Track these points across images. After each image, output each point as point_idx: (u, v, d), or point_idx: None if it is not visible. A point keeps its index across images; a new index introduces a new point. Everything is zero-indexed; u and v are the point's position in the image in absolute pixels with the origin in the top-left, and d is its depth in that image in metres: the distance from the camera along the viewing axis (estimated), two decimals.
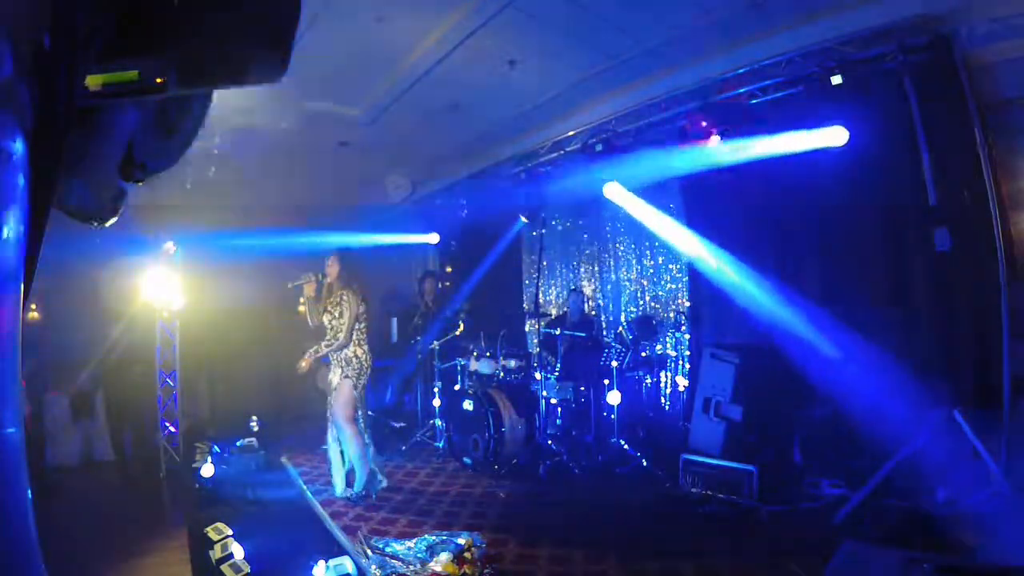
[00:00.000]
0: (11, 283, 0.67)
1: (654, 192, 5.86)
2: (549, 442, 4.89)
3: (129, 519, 4.03)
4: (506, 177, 6.89)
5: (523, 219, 6.77)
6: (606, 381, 5.04)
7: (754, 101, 4.71)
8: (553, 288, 7.09)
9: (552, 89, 5.43)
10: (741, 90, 4.69)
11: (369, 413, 4.61)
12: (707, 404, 4.39)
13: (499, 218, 7.34)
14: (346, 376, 4.21)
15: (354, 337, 4.23)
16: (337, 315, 4.25)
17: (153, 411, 5.41)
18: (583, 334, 5.36)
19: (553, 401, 5.19)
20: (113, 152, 1.06)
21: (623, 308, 6.24)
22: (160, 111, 1.09)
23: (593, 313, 6.24)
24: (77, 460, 5.61)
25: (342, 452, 4.36)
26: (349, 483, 4.32)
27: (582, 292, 6.12)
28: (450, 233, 8.51)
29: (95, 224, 1.11)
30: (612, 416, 4.97)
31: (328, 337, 4.28)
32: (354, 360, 4.22)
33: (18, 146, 0.66)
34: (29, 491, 0.67)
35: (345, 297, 4.25)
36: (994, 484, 3.32)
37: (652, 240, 5.96)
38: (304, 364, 4.27)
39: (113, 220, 1.12)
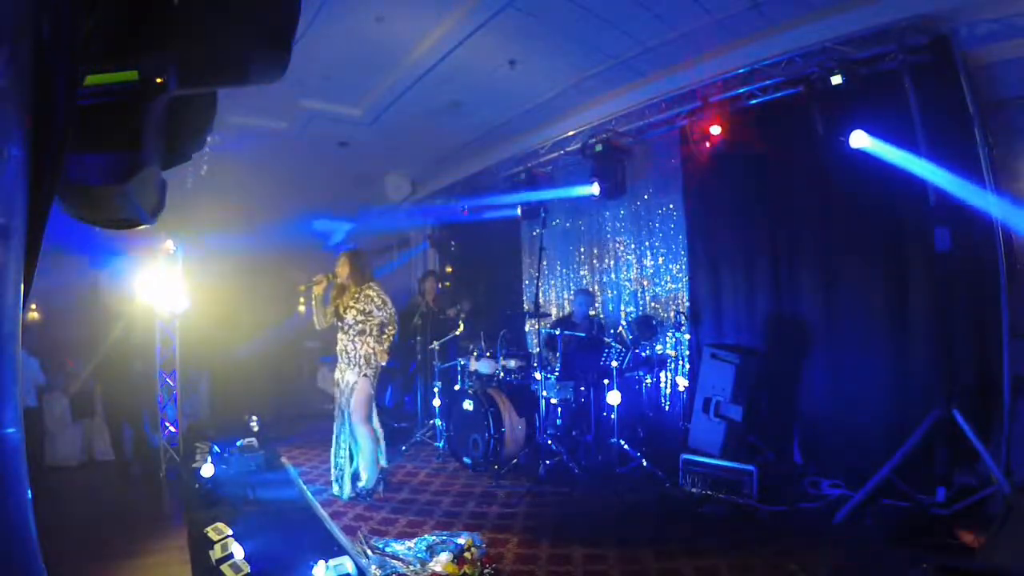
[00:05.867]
0: (11, 283, 0.67)
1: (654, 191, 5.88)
2: (549, 442, 4.88)
3: (129, 519, 4.02)
4: (506, 177, 6.89)
5: (519, 211, 6.76)
6: (606, 381, 5.03)
7: (754, 101, 4.72)
8: (553, 288, 7.08)
9: (552, 89, 5.44)
10: (741, 90, 4.70)
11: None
12: (707, 404, 4.39)
13: (499, 218, 7.34)
14: (364, 375, 4.16)
15: (374, 334, 4.21)
16: (367, 311, 4.20)
17: (153, 411, 5.41)
18: (583, 334, 5.36)
19: (553, 401, 5.18)
20: (160, 143, 1.04)
21: (623, 308, 6.24)
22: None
23: (598, 315, 6.21)
24: (77, 460, 5.61)
25: (351, 453, 4.32)
26: (353, 484, 4.31)
27: (589, 293, 6.04)
28: (450, 233, 8.51)
29: (143, 225, 1.09)
30: (612, 416, 4.96)
31: (353, 334, 4.21)
32: (372, 359, 4.18)
33: (18, 147, 0.66)
34: (29, 491, 0.67)
35: (373, 290, 4.25)
36: (994, 484, 3.32)
37: (652, 240, 5.95)
38: (316, 288, 4.27)
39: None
